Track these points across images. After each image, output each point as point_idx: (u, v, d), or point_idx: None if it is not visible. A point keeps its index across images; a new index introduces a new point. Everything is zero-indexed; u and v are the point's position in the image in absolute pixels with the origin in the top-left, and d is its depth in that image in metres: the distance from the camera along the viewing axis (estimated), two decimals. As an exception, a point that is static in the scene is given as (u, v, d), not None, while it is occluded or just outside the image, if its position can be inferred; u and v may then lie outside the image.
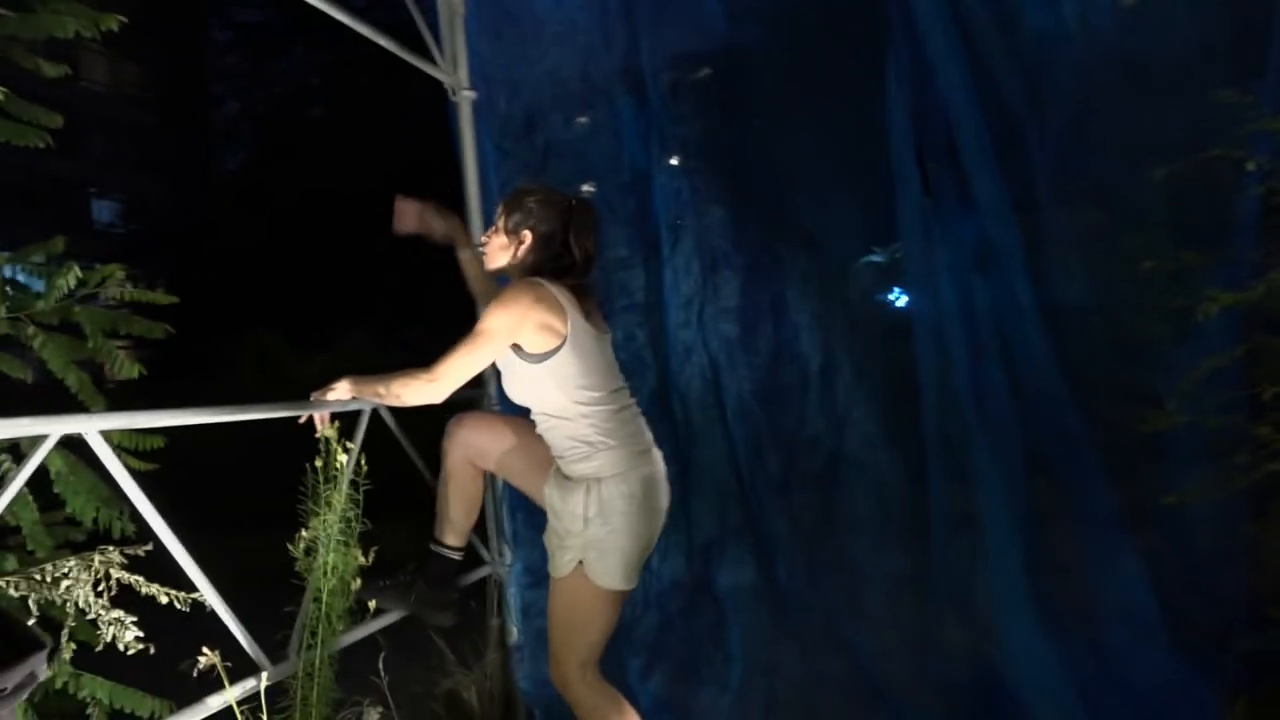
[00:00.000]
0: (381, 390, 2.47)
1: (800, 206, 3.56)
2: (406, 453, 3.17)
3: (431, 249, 3.25)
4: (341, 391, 2.51)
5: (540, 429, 2.56)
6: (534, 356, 2.42)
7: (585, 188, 3.79)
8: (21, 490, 2.80)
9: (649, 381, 3.61)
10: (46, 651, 0.84)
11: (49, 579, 2.41)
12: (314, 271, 18.81)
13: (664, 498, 2.56)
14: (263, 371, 12.60)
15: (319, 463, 2.35)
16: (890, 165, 3.30)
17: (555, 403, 2.46)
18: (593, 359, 2.47)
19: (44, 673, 0.83)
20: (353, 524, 2.41)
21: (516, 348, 2.44)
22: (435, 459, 2.86)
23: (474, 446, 2.67)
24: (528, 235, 2.54)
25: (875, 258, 3.58)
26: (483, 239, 2.69)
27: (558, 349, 2.40)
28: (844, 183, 3.52)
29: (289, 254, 19.80)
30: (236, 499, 7.84)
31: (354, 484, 2.46)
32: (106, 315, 2.91)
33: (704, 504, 3.53)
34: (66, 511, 2.76)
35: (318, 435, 2.40)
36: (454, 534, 2.75)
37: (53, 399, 3.01)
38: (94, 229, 29.61)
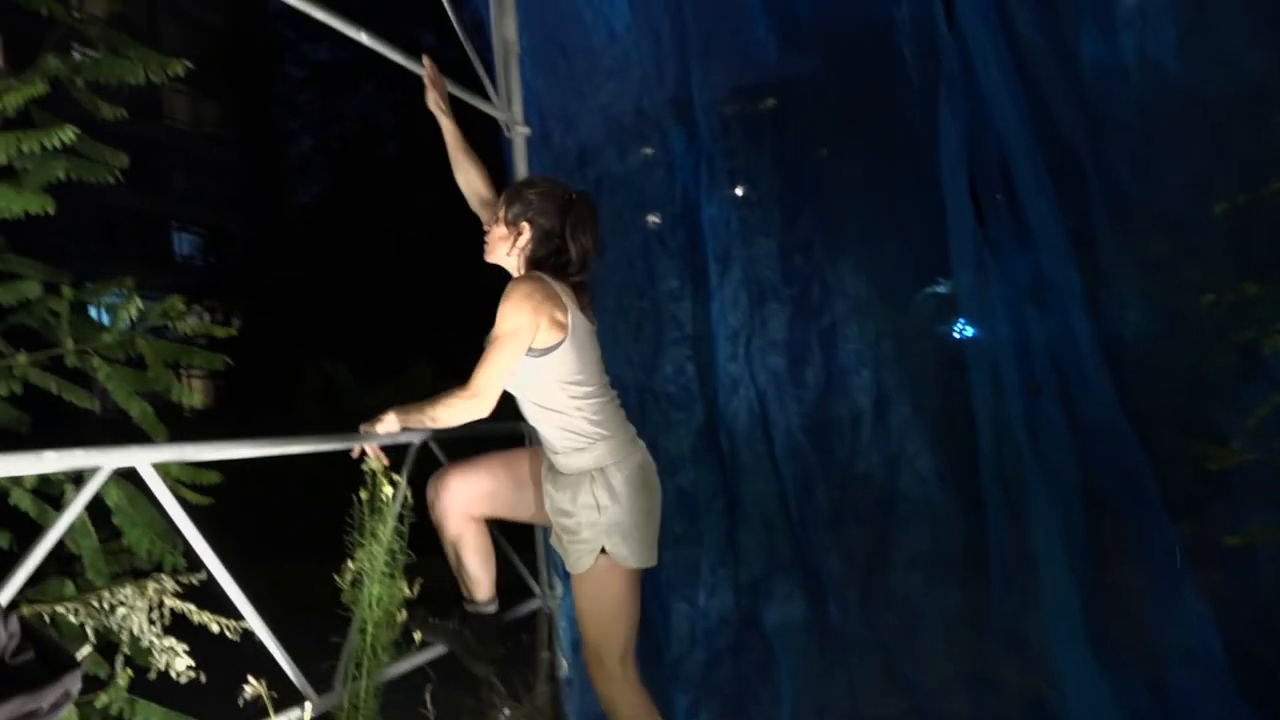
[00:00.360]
0: (427, 419, 2.49)
1: (851, 238, 3.54)
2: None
3: (497, 283, 3.31)
4: (390, 424, 2.53)
5: (531, 420, 2.57)
6: (536, 351, 2.43)
7: (651, 219, 3.81)
8: (83, 518, 2.89)
9: (697, 415, 3.60)
10: (80, 669, 0.86)
11: (106, 606, 2.48)
12: (381, 303, 19.16)
13: (656, 478, 2.60)
14: (326, 402, 12.83)
15: (364, 495, 2.38)
16: (943, 196, 3.27)
17: (550, 396, 2.48)
18: (588, 353, 2.50)
19: (78, 690, 0.84)
20: (398, 556, 2.43)
21: None
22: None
23: (462, 499, 2.62)
24: (526, 227, 2.55)
25: (939, 288, 3.54)
26: (484, 227, 2.69)
27: (559, 344, 2.42)
28: (896, 214, 3.49)
29: (358, 286, 20.21)
30: (293, 526, 7.98)
31: (400, 516, 2.48)
32: (168, 347, 2.98)
33: (752, 539, 3.49)
34: (124, 542, 2.83)
35: (364, 467, 2.43)
36: (481, 590, 2.71)
37: (122, 429, 3.12)
38: (175, 262, 30.61)
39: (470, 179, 2.93)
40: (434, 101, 2.91)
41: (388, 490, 2.37)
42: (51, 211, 2.91)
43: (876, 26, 3.48)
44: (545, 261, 2.54)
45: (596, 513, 2.44)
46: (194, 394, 2.94)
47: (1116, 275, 3.10)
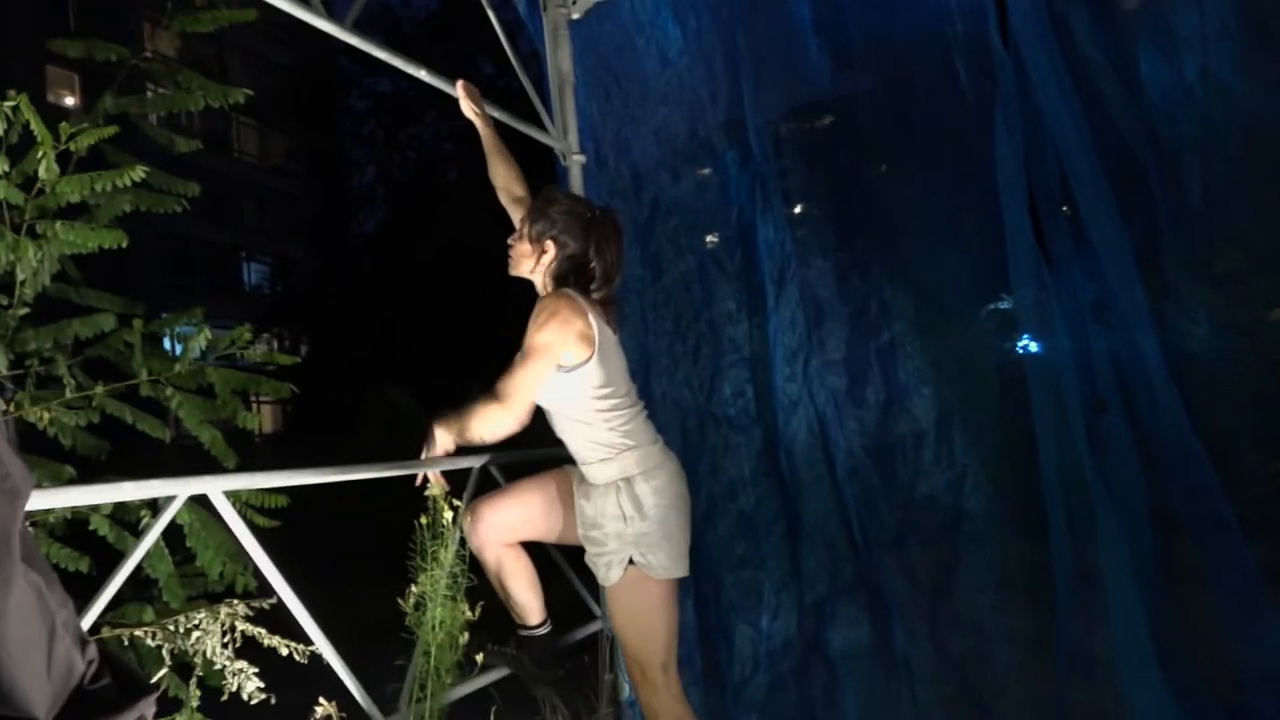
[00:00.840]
0: (469, 434, 2.50)
1: (909, 255, 3.51)
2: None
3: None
4: (444, 442, 2.56)
5: (560, 433, 2.59)
6: (565, 368, 2.45)
7: (708, 240, 3.83)
8: (159, 544, 2.98)
9: (756, 437, 3.59)
10: (155, 694, 0.89)
11: (182, 630, 2.55)
12: (444, 329, 19.42)
13: (686, 488, 2.60)
14: (389, 427, 13.02)
15: (425, 520, 2.42)
16: (1001, 211, 3.23)
17: (578, 408, 2.50)
18: (614, 364, 2.52)
19: (152, 715, 0.88)
20: (459, 579, 2.46)
21: None
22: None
23: (495, 528, 2.61)
24: (550, 245, 2.57)
25: (1000, 304, 3.49)
26: (509, 241, 2.71)
27: (588, 360, 2.44)
28: (954, 230, 3.45)
29: (422, 313, 20.51)
30: (361, 549, 8.10)
31: (462, 540, 2.52)
32: (236, 376, 3.08)
33: (814, 561, 3.46)
34: (197, 565, 2.91)
35: (426, 493, 2.47)
36: (531, 614, 2.71)
37: (194, 453, 3.21)
38: (244, 290, 31.45)
39: (505, 177, 3.00)
40: (468, 108, 3.04)
41: (448, 515, 2.40)
42: (124, 246, 3.03)
43: (930, 43, 3.46)
44: (569, 278, 2.56)
45: (623, 523, 2.45)
46: (261, 420, 3.02)
47: (1183, 289, 3.03)
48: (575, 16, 3.86)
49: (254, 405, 27.70)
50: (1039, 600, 3.14)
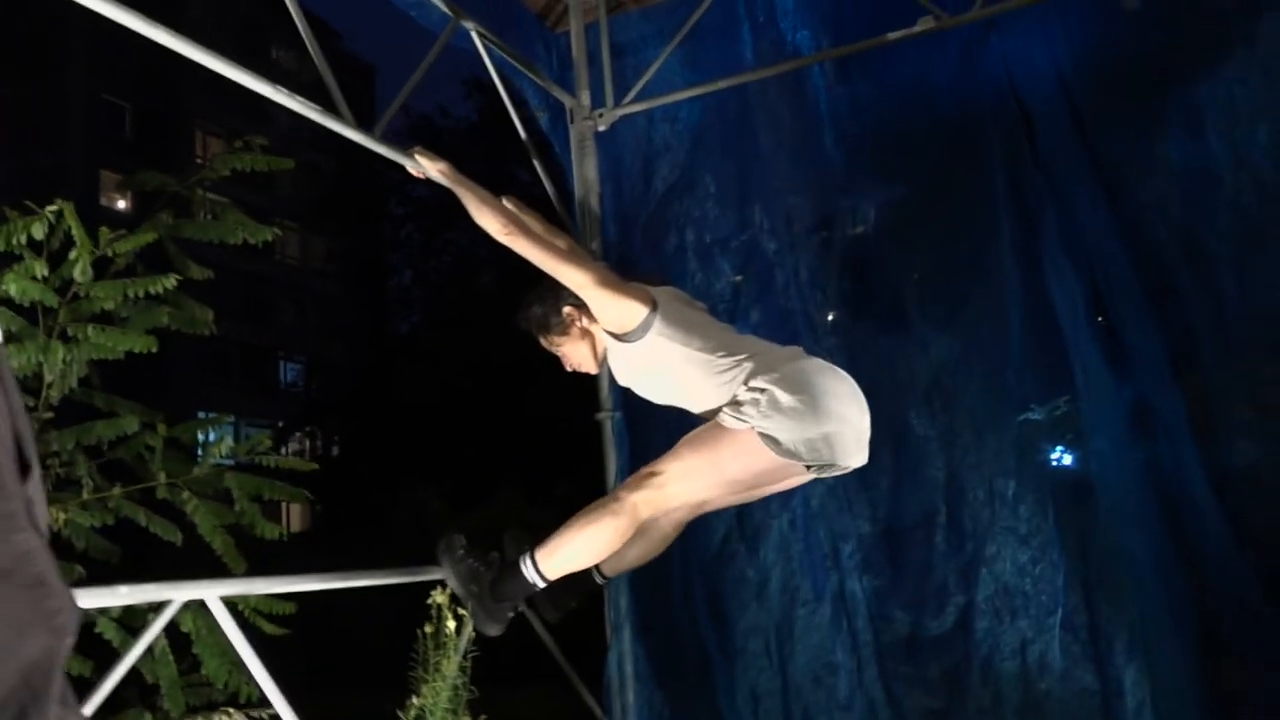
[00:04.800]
0: (465, 192, 2.47)
1: (941, 368, 3.47)
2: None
3: (583, 412, 3.37)
4: (436, 166, 2.52)
5: (688, 404, 2.45)
6: (640, 329, 2.38)
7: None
8: (163, 649, 2.92)
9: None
10: None
11: (176, 741, 2.47)
12: (475, 431, 19.46)
13: (835, 379, 2.34)
14: (419, 528, 12.95)
15: (429, 629, 2.34)
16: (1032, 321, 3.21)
17: (683, 368, 2.38)
18: (690, 314, 2.46)
19: None
20: (461, 692, 2.37)
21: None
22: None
23: (694, 499, 2.40)
24: (572, 315, 2.51)
25: (1034, 414, 3.41)
26: (574, 367, 2.62)
27: (654, 312, 2.38)
28: (988, 340, 3.40)
29: (454, 414, 20.59)
30: (368, 653, 7.91)
31: (465, 651, 2.44)
32: (252, 481, 3.05)
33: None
34: (203, 673, 2.84)
35: (430, 601, 2.39)
36: (563, 568, 2.38)
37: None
38: (279, 390, 31.79)
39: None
40: (431, 169, 2.68)
41: (451, 624, 2.32)
42: (154, 351, 3.05)
43: (963, 157, 3.48)
44: (592, 308, 2.45)
45: (758, 411, 2.23)
46: (273, 528, 2.97)
47: (1224, 396, 2.95)
48: (601, 129, 3.92)
49: (284, 505, 27.82)
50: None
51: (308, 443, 28.77)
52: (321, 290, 33.00)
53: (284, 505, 27.82)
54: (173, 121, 28.26)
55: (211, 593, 1.95)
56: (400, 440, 21.52)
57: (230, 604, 2.71)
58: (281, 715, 2.12)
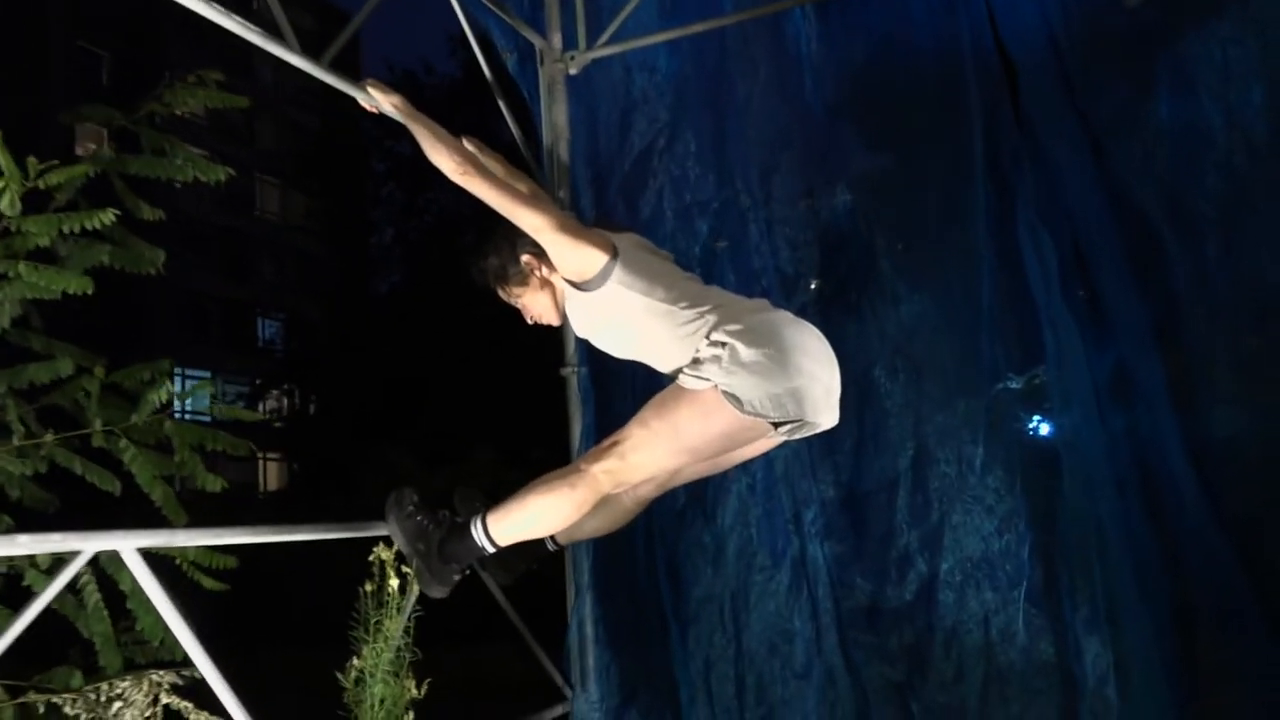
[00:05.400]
0: (420, 128, 2.31)
1: (922, 334, 3.37)
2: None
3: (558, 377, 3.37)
4: (391, 100, 2.42)
5: (647, 358, 2.37)
6: (598, 279, 2.27)
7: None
8: (97, 604, 2.80)
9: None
10: None
11: (104, 698, 2.36)
12: (451, 390, 19.37)
13: (802, 333, 2.25)
14: (387, 487, 12.84)
15: (371, 587, 2.23)
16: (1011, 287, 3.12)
17: (642, 320, 2.28)
18: (652, 263, 2.36)
19: None
20: (404, 654, 2.26)
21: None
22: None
23: (660, 468, 2.29)
24: (530, 263, 2.38)
25: (1011, 384, 3.33)
26: (535, 319, 2.50)
27: (614, 259, 2.27)
28: (967, 308, 3.31)
29: (430, 373, 20.49)
30: (321, 612, 7.82)
31: (410, 611, 2.33)
32: (194, 430, 2.92)
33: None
34: (138, 630, 2.73)
35: (372, 558, 2.27)
36: (514, 536, 2.29)
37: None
38: (258, 347, 31.50)
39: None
40: (384, 102, 2.53)
41: (394, 582, 2.21)
42: (90, 293, 2.90)
43: (944, 114, 3.36)
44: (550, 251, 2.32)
45: (719, 368, 2.13)
46: (215, 480, 2.84)
47: (1205, 366, 2.87)
48: (573, 72, 3.76)
49: (261, 464, 27.63)
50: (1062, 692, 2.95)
51: (284, 400, 28.57)
52: (302, 247, 32.63)
53: (261, 463, 27.73)
54: (151, 72, 27.73)
55: (127, 544, 1.82)
56: (377, 400, 21.44)
57: (165, 558, 2.59)
58: (206, 675, 2.01)
